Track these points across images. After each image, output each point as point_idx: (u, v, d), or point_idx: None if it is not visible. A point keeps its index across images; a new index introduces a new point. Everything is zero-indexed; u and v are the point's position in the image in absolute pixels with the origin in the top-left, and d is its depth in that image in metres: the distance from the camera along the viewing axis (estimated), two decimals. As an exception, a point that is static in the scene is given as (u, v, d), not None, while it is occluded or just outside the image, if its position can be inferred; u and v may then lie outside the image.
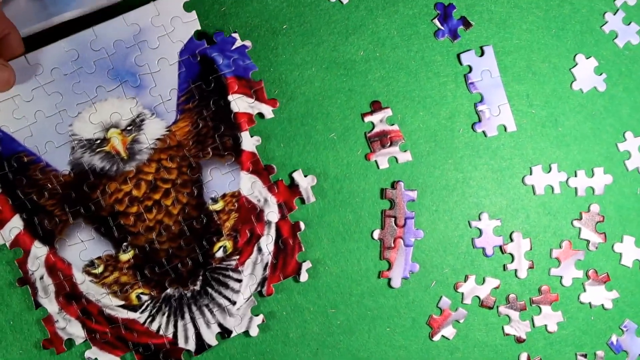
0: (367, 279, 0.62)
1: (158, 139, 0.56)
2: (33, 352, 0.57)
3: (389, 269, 0.62)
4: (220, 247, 0.57)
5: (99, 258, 0.56)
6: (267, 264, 0.58)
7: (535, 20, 0.65)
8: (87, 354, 0.56)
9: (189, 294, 0.57)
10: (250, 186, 0.58)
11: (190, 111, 0.57)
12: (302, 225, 0.59)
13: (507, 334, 0.63)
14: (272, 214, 0.58)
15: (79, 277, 0.56)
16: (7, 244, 0.55)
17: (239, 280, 0.58)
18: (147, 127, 0.56)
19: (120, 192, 0.56)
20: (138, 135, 0.56)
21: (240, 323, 0.58)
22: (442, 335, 0.62)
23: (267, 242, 0.58)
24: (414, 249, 0.62)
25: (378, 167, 0.62)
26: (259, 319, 0.59)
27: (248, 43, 0.59)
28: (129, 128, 0.56)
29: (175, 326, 0.57)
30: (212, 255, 0.57)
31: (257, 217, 0.58)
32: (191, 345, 0.58)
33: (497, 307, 0.63)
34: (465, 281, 0.63)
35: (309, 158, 0.61)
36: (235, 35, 0.58)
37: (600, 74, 0.65)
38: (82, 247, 0.55)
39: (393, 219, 0.62)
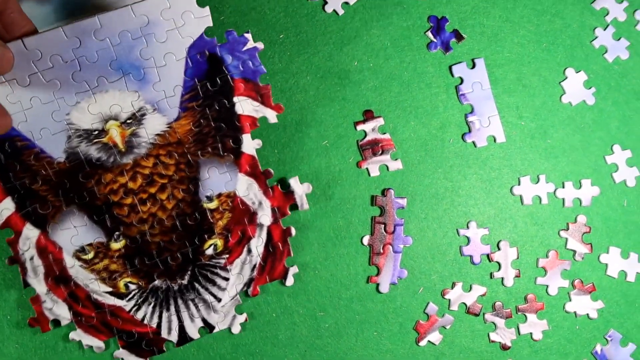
0: (356, 284, 0.63)
1: (158, 135, 0.56)
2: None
3: (378, 274, 0.63)
4: (211, 244, 0.58)
5: (90, 245, 0.56)
6: (255, 265, 0.60)
7: (526, 34, 0.66)
8: (72, 335, 0.58)
9: (176, 287, 0.58)
10: (246, 188, 0.59)
11: (194, 109, 0.56)
12: (293, 230, 0.60)
13: (493, 341, 0.64)
14: (265, 217, 0.59)
15: (69, 261, 0.56)
16: None
17: (226, 279, 0.59)
18: (147, 122, 0.56)
19: (116, 183, 0.56)
20: (137, 129, 0.56)
21: (223, 320, 0.60)
22: (429, 341, 0.63)
23: (258, 244, 0.59)
24: (402, 256, 0.63)
25: (369, 174, 0.63)
26: (242, 318, 0.60)
27: (260, 45, 0.58)
28: (128, 121, 0.55)
29: (160, 317, 0.58)
30: (202, 252, 0.58)
31: (249, 219, 0.59)
32: (174, 337, 0.59)
33: (483, 314, 0.64)
34: (452, 288, 0.64)
35: (301, 164, 0.63)
36: (248, 35, 0.57)
37: (590, 88, 0.67)
38: (74, 232, 0.56)
39: (383, 225, 0.63)
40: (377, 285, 0.63)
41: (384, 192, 0.63)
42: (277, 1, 0.64)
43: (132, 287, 0.58)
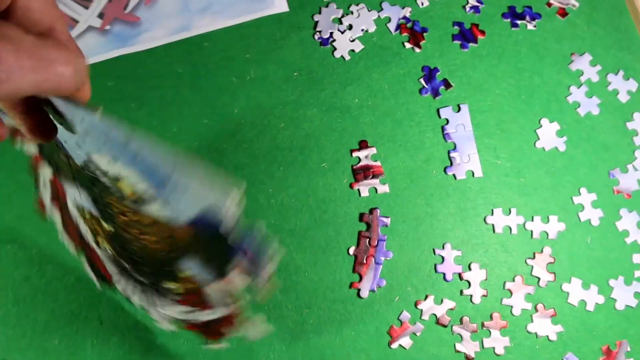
0: (339, 288, 0.72)
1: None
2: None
3: (360, 281, 0.71)
4: (171, 285, 0.57)
5: (88, 211, 0.59)
6: (199, 319, 0.59)
7: (507, 87, 0.77)
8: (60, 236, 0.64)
9: (135, 275, 0.61)
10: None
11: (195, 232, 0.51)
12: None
13: (458, 351, 0.71)
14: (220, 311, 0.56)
15: (70, 202, 0.61)
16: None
17: (176, 303, 0.59)
18: (150, 205, 0.51)
19: (117, 203, 0.55)
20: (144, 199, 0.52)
21: (157, 315, 0.61)
22: (400, 345, 0.71)
23: (208, 314, 0.56)
24: (383, 267, 0.72)
25: (360, 194, 0.73)
26: (172, 327, 0.61)
27: None
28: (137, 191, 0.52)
29: (117, 275, 0.63)
30: (163, 281, 0.58)
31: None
32: (120, 287, 0.63)
33: (452, 326, 0.71)
34: (425, 300, 0.72)
35: (303, 182, 0.73)
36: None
37: (562, 137, 0.75)
38: (77, 196, 0.58)
39: (368, 239, 0.72)
40: (358, 290, 0.71)
41: (371, 211, 0.73)
42: (295, 45, 0.76)
43: (107, 249, 0.61)
